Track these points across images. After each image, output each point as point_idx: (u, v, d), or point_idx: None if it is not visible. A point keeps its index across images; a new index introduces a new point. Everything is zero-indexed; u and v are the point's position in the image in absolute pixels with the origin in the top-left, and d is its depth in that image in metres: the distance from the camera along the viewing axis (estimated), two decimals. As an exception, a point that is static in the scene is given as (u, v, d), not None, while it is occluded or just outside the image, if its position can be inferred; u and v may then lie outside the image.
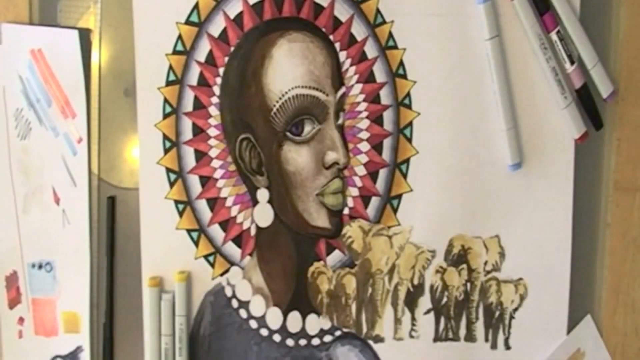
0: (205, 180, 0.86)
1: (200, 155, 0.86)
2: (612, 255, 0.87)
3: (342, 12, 0.83)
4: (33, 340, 0.91)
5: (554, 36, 0.82)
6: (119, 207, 0.88)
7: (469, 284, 0.87)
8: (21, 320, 0.91)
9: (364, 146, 0.85)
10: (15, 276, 0.90)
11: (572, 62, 0.83)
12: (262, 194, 0.86)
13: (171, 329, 0.87)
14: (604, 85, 0.84)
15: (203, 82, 0.84)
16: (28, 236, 0.90)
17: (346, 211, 0.86)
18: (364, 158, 0.85)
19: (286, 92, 0.83)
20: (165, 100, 0.85)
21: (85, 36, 0.86)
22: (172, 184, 0.86)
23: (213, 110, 0.85)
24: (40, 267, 0.89)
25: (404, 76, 0.84)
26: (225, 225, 0.87)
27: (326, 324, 0.88)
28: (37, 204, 0.89)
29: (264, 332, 0.88)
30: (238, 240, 0.87)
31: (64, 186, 0.88)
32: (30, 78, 0.87)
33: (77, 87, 0.86)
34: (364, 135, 0.85)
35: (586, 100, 0.84)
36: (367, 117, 0.85)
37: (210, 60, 0.84)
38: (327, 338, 0.88)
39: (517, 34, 0.83)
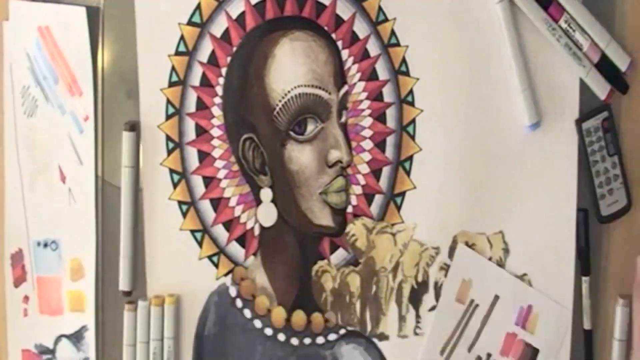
0: (209, 181, 0.86)
1: (203, 156, 0.86)
2: (614, 252, 0.87)
3: (344, 11, 0.83)
4: (38, 319, 0.90)
5: (563, 24, 0.82)
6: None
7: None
8: (26, 298, 0.90)
9: (367, 144, 0.85)
10: (21, 254, 0.90)
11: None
12: (266, 194, 0.86)
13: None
14: (621, 59, 0.84)
15: (206, 83, 0.85)
16: (34, 214, 0.89)
17: (350, 209, 0.86)
18: (367, 156, 0.85)
19: (289, 91, 0.84)
20: (168, 101, 0.85)
21: (93, 13, 0.86)
22: (175, 185, 0.86)
23: (216, 111, 0.85)
24: (45, 245, 0.89)
25: (407, 73, 0.84)
26: (229, 225, 0.87)
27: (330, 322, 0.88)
28: (43, 182, 0.89)
29: (269, 331, 0.88)
30: (242, 240, 0.87)
31: (70, 164, 0.88)
32: (38, 55, 0.87)
33: (85, 65, 0.86)
34: (367, 133, 0.85)
35: (607, 70, 0.84)
36: (369, 115, 0.85)
37: (213, 61, 0.84)
38: (332, 336, 0.88)
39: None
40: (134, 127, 0.85)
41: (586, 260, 0.86)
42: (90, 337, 0.89)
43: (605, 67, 0.84)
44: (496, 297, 0.86)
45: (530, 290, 0.86)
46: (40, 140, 0.88)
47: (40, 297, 0.90)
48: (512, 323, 0.87)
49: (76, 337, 0.90)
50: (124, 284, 0.87)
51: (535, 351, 0.87)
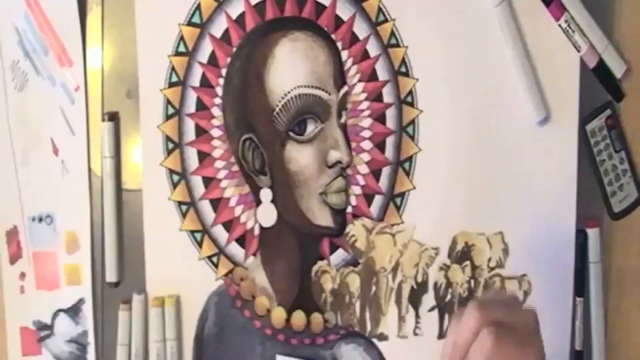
0: (209, 181, 0.86)
1: (203, 156, 0.86)
2: (616, 251, 0.87)
3: (344, 11, 0.83)
4: (35, 295, 0.90)
5: (563, 24, 0.82)
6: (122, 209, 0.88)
7: (472, 281, 0.87)
8: (23, 275, 0.90)
9: (367, 144, 0.85)
10: (16, 230, 0.90)
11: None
12: (266, 194, 0.86)
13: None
14: (617, 65, 0.84)
15: (205, 83, 0.85)
16: (27, 189, 0.89)
17: (349, 210, 0.86)
18: (366, 156, 0.86)
19: (289, 92, 0.84)
20: (168, 102, 0.85)
21: (81, -19, 0.86)
22: (175, 185, 0.86)
23: (216, 111, 0.85)
24: (40, 220, 0.89)
25: (407, 74, 0.84)
26: (228, 225, 0.87)
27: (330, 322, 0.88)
28: (36, 156, 0.88)
29: (268, 331, 0.88)
30: (242, 241, 0.87)
31: (63, 136, 0.88)
32: (27, 28, 0.86)
33: (74, 33, 0.86)
34: (367, 133, 0.85)
35: (603, 77, 0.85)
36: (369, 116, 0.85)
37: (213, 61, 0.84)
38: (332, 337, 0.88)
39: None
40: (113, 116, 0.86)
41: (581, 281, 0.87)
42: (87, 309, 0.89)
43: (601, 72, 0.84)
44: None
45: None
46: (32, 114, 0.88)
47: (37, 272, 0.90)
48: None
49: (73, 311, 0.89)
50: (110, 275, 0.87)
51: None
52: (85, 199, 0.88)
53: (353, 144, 0.85)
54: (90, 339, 0.90)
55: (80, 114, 0.87)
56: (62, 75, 0.87)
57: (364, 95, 0.85)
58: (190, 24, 0.84)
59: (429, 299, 0.88)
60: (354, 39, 0.84)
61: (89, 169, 0.88)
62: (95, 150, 0.87)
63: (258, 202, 0.86)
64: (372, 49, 0.84)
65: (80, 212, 0.88)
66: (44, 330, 0.91)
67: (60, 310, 0.90)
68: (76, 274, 0.89)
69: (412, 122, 0.85)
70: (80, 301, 0.89)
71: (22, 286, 0.91)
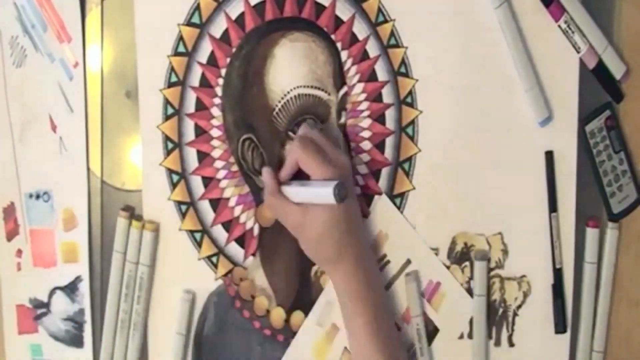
0: (208, 181, 0.86)
1: (202, 156, 0.86)
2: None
3: (344, 12, 0.83)
4: (32, 273, 0.90)
5: (562, 24, 0.82)
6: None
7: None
8: (19, 252, 0.90)
9: (366, 145, 0.85)
10: (13, 207, 0.90)
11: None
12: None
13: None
14: (616, 66, 0.84)
15: (205, 83, 0.85)
16: (25, 166, 0.89)
17: (349, 210, 0.86)
18: (366, 157, 0.85)
19: (288, 92, 0.84)
20: (167, 102, 0.85)
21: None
22: (174, 185, 0.86)
23: (215, 111, 0.85)
24: (37, 197, 0.89)
25: (406, 74, 0.84)
26: (228, 225, 0.87)
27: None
28: (34, 133, 0.88)
29: (268, 332, 0.88)
30: (241, 241, 0.87)
31: (61, 113, 0.88)
32: (25, 4, 0.86)
33: (72, 9, 0.86)
34: (366, 134, 0.85)
35: (603, 78, 0.85)
36: (369, 116, 0.85)
37: (212, 61, 0.84)
38: (331, 337, 0.88)
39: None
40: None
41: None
42: (84, 287, 0.89)
43: (601, 73, 0.84)
44: (408, 261, 0.86)
45: (443, 269, 0.86)
46: (30, 90, 0.88)
47: (34, 250, 0.90)
48: None
49: (70, 289, 0.89)
50: None
51: (436, 330, 0.87)
52: (83, 177, 0.88)
53: (352, 145, 0.85)
54: (87, 317, 0.90)
55: (79, 91, 0.87)
56: (61, 52, 0.86)
57: (363, 96, 0.85)
58: (189, 24, 0.84)
59: (428, 300, 0.88)
60: (353, 39, 0.84)
61: (87, 147, 0.88)
62: (93, 130, 0.88)
63: (258, 202, 0.86)
64: (372, 49, 0.84)
65: (77, 189, 0.88)
66: (41, 308, 0.90)
67: (57, 288, 0.90)
68: (73, 252, 0.89)
69: (412, 122, 0.85)
70: (77, 279, 0.89)
71: (19, 263, 0.90)
